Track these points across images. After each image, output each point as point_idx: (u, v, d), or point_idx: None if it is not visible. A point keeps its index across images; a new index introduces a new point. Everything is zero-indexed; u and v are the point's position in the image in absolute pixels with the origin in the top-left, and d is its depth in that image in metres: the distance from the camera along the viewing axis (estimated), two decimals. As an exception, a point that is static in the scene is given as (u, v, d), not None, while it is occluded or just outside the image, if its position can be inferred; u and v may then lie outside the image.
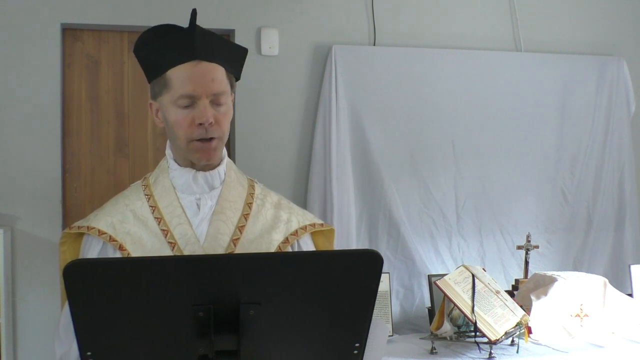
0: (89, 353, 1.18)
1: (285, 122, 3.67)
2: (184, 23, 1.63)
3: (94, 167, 3.54)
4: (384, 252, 3.61)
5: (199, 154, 1.61)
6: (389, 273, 3.49)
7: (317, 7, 3.71)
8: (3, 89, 3.33)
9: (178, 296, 1.17)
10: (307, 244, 1.73)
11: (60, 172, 3.42)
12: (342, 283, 1.21)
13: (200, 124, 1.57)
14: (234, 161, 3.56)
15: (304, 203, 3.62)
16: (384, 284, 3.32)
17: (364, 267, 1.21)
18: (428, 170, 3.79)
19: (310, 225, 1.74)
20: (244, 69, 1.70)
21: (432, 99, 3.79)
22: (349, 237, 3.59)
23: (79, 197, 3.51)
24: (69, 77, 3.51)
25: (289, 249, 1.68)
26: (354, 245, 3.56)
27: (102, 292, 1.15)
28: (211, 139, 1.59)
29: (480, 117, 3.87)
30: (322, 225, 1.77)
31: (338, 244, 3.67)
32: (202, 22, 1.60)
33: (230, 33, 3.59)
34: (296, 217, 1.73)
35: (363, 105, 3.68)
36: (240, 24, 3.58)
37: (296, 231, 1.71)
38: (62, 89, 3.45)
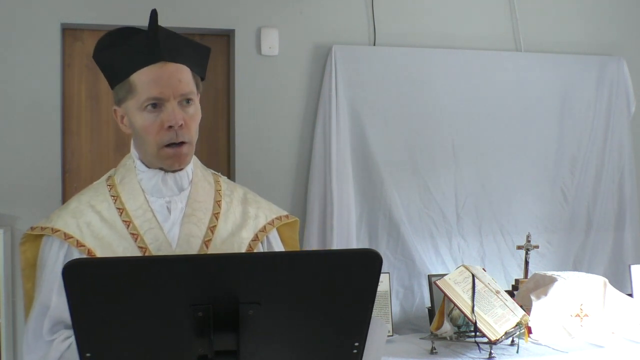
0: (88, 354, 1.18)
1: (285, 122, 3.66)
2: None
3: (94, 167, 3.54)
4: (384, 252, 3.61)
5: (171, 160, 1.58)
6: (389, 273, 3.49)
7: (317, 7, 3.71)
8: (3, 89, 3.33)
9: (177, 296, 1.17)
10: (275, 239, 1.73)
11: (60, 172, 3.42)
12: (342, 283, 1.21)
13: (170, 127, 1.53)
14: (234, 161, 3.56)
15: (304, 203, 3.62)
16: (384, 284, 3.31)
17: (364, 266, 1.21)
18: (428, 170, 3.79)
19: (277, 218, 1.73)
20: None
21: (432, 99, 3.79)
22: (349, 237, 3.58)
23: (79, 197, 3.50)
24: (69, 77, 3.51)
25: (260, 246, 1.67)
26: (354, 245, 3.55)
27: (101, 291, 1.15)
28: (182, 143, 1.56)
29: (480, 117, 3.86)
30: (287, 217, 1.76)
31: (338, 244, 3.68)
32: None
33: (230, 33, 3.58)
34: (263, 212, 1.72)
35: (363, 105, 3.67)
36: (240, 24, 3.58)
37: (264, 227, 1.70)
38: (62, 89, 3.45)
